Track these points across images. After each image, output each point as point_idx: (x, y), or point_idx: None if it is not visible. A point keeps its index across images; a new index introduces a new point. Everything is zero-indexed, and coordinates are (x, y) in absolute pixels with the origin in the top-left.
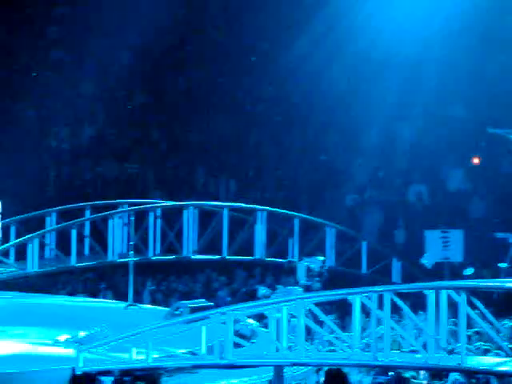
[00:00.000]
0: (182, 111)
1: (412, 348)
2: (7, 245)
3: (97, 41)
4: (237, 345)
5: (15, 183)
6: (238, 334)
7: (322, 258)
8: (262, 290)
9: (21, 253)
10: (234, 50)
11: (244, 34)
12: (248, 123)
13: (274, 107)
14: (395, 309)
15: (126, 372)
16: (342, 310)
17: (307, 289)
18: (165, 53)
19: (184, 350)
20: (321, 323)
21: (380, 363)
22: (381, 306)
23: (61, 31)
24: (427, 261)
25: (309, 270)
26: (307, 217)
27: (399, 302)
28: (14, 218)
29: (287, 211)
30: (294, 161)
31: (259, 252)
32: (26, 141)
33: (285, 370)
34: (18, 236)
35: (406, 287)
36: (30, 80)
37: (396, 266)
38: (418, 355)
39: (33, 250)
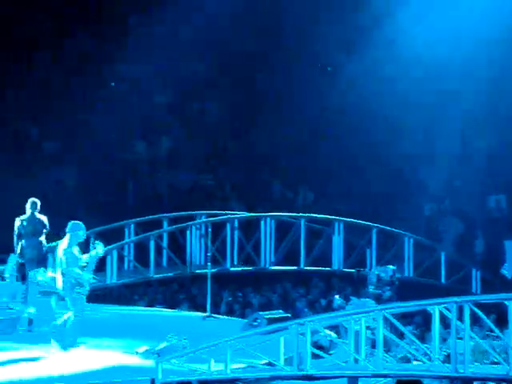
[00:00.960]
0: (258, 121)
1: (494, 359)
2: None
3: (172, 53)
4: (315, 356)
5: (96, 195)
6: (316, 344)
7: (392, 267)
8: (338, 301)
9: (100, 264)
10: (308, 59)
11: (317, 43)
12: (323, 134)
13: (346, 116)
14: (476, 320)
15: (204, 383)
16: (420, 321)
17: (377, 298)
18: (239, 63)
19: (262, 361)
20: (399, 334)
21: (461, 375)
22: (461, 316)
23: (137, 43)
24: (507, 271)
25: (379, 278)
26: (385, 227)
27: (479, 313)
28: (93, 229)
29: (364, 222)
30: (367, 170)
31: (336, 263)
32: (104, 153)
33: (359, 382)
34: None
35: (485, 298)
36: (107, 91)
37: (475, 277)
38: (500, 366)
39: (112, 262)
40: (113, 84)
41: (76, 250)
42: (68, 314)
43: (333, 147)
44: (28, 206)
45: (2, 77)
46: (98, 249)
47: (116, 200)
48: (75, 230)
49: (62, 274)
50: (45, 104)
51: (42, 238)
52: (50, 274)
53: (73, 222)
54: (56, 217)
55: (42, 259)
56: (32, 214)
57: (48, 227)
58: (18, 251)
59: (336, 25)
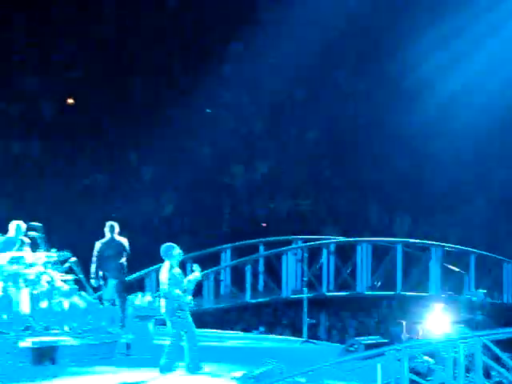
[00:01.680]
0: (354, 147)
1: None
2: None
3: (270, 78)
4: (412, 382)
5: (193, 220)
6: (413, 371)
7: (483, 291)
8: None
9: (197, 289)
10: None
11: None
12: (421, 159)
13: (450, 143)
14: None
15: None
16: None
17: (469, 322)
18: (337, 87)
19: None
20: (497, 360)
21: None
22: None
23: (234, 69)
24: None
25: (470, 303)
26: (483, 252)
27: None
28: (189, 254)
29: (462, 247)
30: (467, 195)
31: (434, 288)
32: (201, 178)
33: None
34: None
35: None
36: (204, 117)
37: None
38: None
39: (208, 286)
40: (208, 110)
41: (177, 272)
42: (170, 339)
43: (437, 174)
44: (107, 229)
45: (103, 103)
46: (196, 273)
47: (213, 225)
48: (170, 251)
49: (165, 297)
50: (143, 130)
51: (123, 261)
52: (147, 298)
53: (165, 245)
54: (157, 241)
55: (121, 280)
56: (111, 236)
57: (128, 250)
58: (100, 273)
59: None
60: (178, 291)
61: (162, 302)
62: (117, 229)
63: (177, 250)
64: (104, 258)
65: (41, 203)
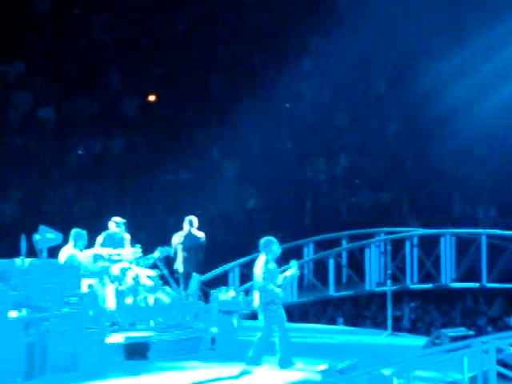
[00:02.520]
0: (435, 139)
1: None
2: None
3: (350, 71)
4: (500, 375)
5: (277, 214)
6: (501, 363)
7: None
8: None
9: None
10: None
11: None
12: (503, 149)
13: None
14: None
15: None
16: None
17: None
18: (415, 80)
19: (446, 380)
20: None
21: None
22: None
23: (314, 62)
24: None
25: None
26: None
27: None
28: None
29: None
30: None
31: None
32: (283, 172)
33: None
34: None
35: None
36: (284, 111)
37: None
38: None
39: (292, 280)
40: (287, 105)
41: (273, 266)
42: (260, 333)
43: None
44: (186, 223)
45: (185, 99)
46: (293, 269)
47: (295, 219)
48: (268, 245)
49: (259, 290)
50: (225, 125)
51: (199, 255)
52: (231, 293)
53: (265, 238)
54: (239, 236)
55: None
56: (189, 230)
57: (205, 243)
58: (176, 267)
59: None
60: (272, 286)
61: (256, 295)
62: (195, 223)
63: (276, 245)
64: (180, 251)
65: (123, 201)
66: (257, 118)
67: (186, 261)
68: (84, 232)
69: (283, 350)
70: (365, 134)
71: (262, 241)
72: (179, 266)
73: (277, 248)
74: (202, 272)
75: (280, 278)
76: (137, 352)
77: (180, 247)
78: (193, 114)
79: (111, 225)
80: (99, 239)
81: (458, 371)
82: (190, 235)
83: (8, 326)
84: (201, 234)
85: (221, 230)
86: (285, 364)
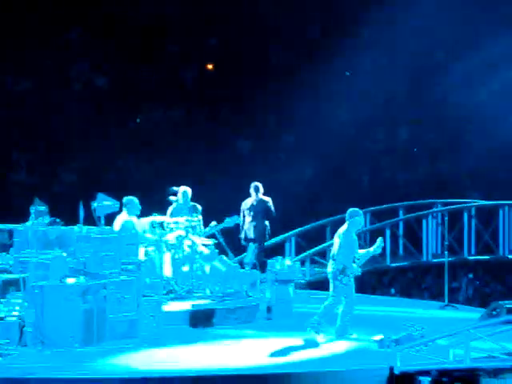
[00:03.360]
0: (495, 110)
1: None
2: (323, 245)
3: (410, 40)
4: None
5: (335, 184)
6: None
7: None
8: None
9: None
10: None
11: None
12: None
13: None
14: None
15: (444, 372)
16: None
17: None
18: (477, 48)
19: (503, 352)
20: None
21: None
22: None
23: (374, 31)
24: None
25: None
26: None
27: None
28: (329, 218)
29: None
30: None
31: None
32: (341, 142)
33: None
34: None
35: None
36: (343, 81)
37: None
38: None
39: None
40: (348, 73)
41: (353, 238)
42: (327, 302)
43: None
44: (252, 189)
45: (243, 68)
46: (378, 245)
47: (353, 190)
48: (353, 216)
49: (332, 258)
50: (283, 95)
51: (267, 221)
52: (287, 262)
53: (352, 208)
54: (297, 207)
55: (264, 240)
56: (257, 195)
57: (273, 210)
58: (242, 235)
59: None
60: (347, 257)
61: (330, 263)
62: (261, 189)
63: (360, 217)
64: (247, 217)
65: (181, 171)
66: (316, 88)
67: (254, 226)
68: (136, 199)
69: (343, 321)
70: (424, 105)
71: (349, 211)
72: (248, 232)
73: (360, 220)
74: (271, 236)
75: (361, 252)
76: (203, 320)
77: (247, 213)
78: (251, 83)
79: (179, 195)
80: (170, 209)
81: None
82: (257, 201)
83: (66, 293)
84: (268, 199)
85: (279, 199)
86: (341, 334)
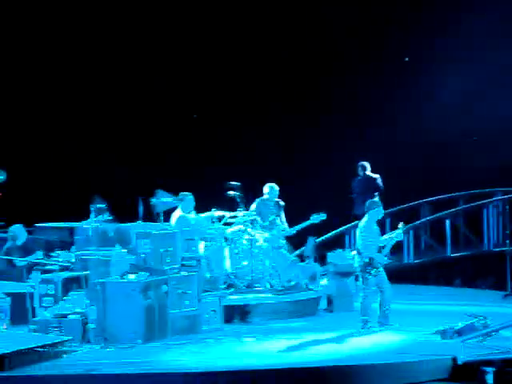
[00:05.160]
0: None
1: None
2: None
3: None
4: None
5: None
6: None
7: None
8: None
9: (396, 244)
10: None
11: None
12: None
13: None
14: None
15: (508, 362)
16: None
17: None
18: None
19: None
20: None
21: None
22: None
23: None
24: None
25: None
26: None
27: None
28: (387, 210)
29: None
30: None
31: None
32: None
33: None
34: (392, 228)
35: None
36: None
37: None
38: None
39: (408, 242)
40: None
41: (374, 228)
42: (361, 298)
43: None
44: (359, 168)
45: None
46: (398, 232)
47: (410, 178)
48: (372, 207)
49: (357, 251)
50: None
51: (375, 198)
52: (347, 255)
53: (370, 200)
54: (350, 199)
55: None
56: (364, 173)
57: (382, 186)
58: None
59: None
60: (371, 248)
61: (356, 257)
62: (368, 167)
63: (379, 208)
64: (355, 194)
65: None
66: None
67: (360, 204)
68: (190, 195)
69: (383, 312)
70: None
71: (368, 202)
72: (357, 209)
73: (379, 210)
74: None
75: (383, 238)
76: (237, 315)
77: (356, 191)
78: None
79: (265, 190)
80: (253, 206)
81: None
82: (366, 178)
83: (127, 289)
84: (377, 176)
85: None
86: (383, 324)
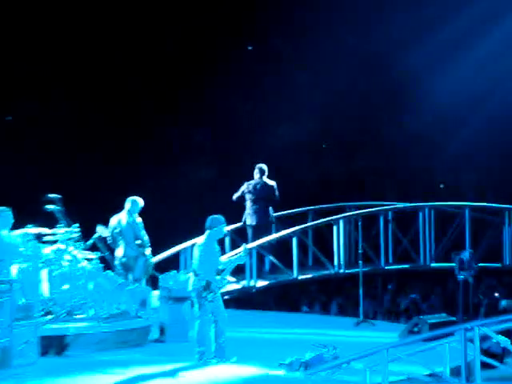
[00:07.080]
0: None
1: None
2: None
3: None
4: (486, 365)
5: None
6: (487, 353)
7: None
8: (503, 302)
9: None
10: None
11: None
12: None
13: None
14: None
15: None
16: None
17: None
18: None
19: (424, 373)
20: None
21: None
22: None
23: None
24: None
25: None
26: None
27: None
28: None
29: None
30: None
31: (508, 257)
32: None
33: None
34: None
35: None
36: None
37: None
38: None
39: (251, 263)
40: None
41: (214, 248)
42: (196, 327)
43: None
44: (256, 171)
45: None
46: (242, 253)
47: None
48: (215, 225)
49: (194, 273)
50: None
51: (272, 204)
52: (182, 277)
53: (212, 216)
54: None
55: (266, 225)
56: (260, 179)
57: (277, 193)
58: (244, 218)
59: None
60: (209, 270)
61: (191, 278)
62: (266, 171)
63: (222, 226)
64: (251, 202)
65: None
66: None
67: (256, 211)
68: (8, 210)
69: (219, 344)
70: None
71: (209, 218)
72: (249, 218)
73: (222, 229)
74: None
75: (223, 259)
76: (53, 347)
77: (249, 197)
78: None
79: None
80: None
81: (439, 362)
82: (261, 184)
83: None
84: (272, 183)
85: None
86: (220, 358)
